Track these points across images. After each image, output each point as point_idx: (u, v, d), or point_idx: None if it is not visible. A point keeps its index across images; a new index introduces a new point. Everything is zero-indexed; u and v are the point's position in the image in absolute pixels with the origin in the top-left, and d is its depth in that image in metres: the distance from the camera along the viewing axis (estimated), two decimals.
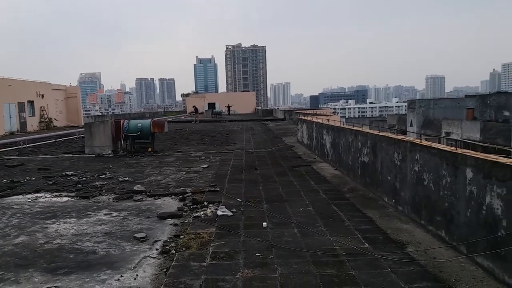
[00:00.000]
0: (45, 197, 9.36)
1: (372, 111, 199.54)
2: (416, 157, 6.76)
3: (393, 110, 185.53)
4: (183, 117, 59.87)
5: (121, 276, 4.99)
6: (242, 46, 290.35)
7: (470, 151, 5.57)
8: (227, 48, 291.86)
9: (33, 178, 11.63)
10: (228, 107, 66.37)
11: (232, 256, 5.52)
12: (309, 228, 6.62)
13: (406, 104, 57.85)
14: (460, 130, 33.93)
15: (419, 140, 6.95)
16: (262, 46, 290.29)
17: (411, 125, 43.66)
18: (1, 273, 5.14)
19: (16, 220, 7.49)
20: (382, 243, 5.92)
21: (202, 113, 57.74)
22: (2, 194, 9.52)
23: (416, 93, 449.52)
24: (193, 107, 54.72)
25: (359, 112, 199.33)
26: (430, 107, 43.02)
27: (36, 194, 9.58)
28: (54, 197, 9.34)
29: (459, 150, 5.67)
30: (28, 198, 9.25)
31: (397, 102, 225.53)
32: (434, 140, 7.98)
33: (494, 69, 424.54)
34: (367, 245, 5.85)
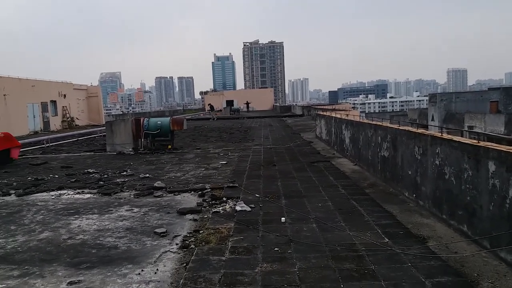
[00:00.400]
0: (68, 194, 9.57)
1: (392, 106, 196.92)
2: (437, 151, 6.65)
3: (414, 105, 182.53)
4: (202, 114, 60.23)
5: (142, 270, 5.08)
6: (259, 42, 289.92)
7: (493, 143, 5.45)
8: (244, 45, 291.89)
9: (56, 176, 11.90)
10: (247, 104, 66.29)
11: (250, 250, 5.55)
12: (328, 223, 6.59)
13: (427, 98, 56.85)
14: (484, 124, 33.18)
15: (440, 134, 6.83)
16: (279, 42, 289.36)
17: (432, 119, 42.90)
18: (26, 267, 5.29)
19: (41, 217, 7.69)
20: (403, 238, 5.85)
21: (221, 110, 58.03)
22: (27, 192, 9.77)
23: (437, 86, 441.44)
24: (208, 105, 55.17)
25: (379, 107, 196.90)
26: (452, 101, 42.18)
27: (59, 191, 9.81)
28: (76, 194, 9.55)
29: (481, 143, 5.56)
30: (52, 195, 9.47)
31: (418, 96, 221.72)
32: (456, 134, 7.84)
33: None
34: (387, 240, 5.80)
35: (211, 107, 51.71)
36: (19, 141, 15.97)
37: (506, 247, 4.82)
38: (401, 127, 8.86)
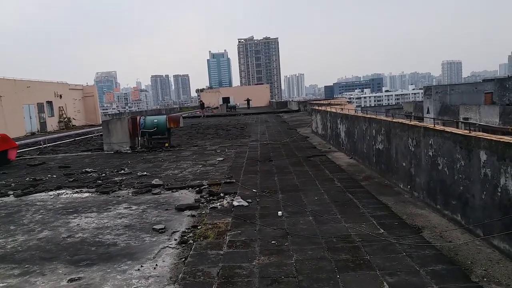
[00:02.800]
0: (67, 193, 9.62)
1: (388, 100, 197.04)
2: (430, 142, 6.74)
3: (409, 98, 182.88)
4: (198, 112, 60.19)
5: (141, 266, 5.15)
6: (254, 39, 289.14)
7: (484, 133, 5.54)
8: (239, 41, 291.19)
9: (54, 176, 11.94)
10: (248, 101, 64.94)
11: (248, 244, 5.63)
12: (324, 215, 6.68)
13: (422, 91, 56.97)
14: (478, 115, 33.33)
15: (432, 125, 6.92)
16: (274, 38, 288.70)
17: (428, 112, 43.03)
18: (27, 266, 5.35)
19: (40, 216, 7.74)
20: (397, 228, 5.95)
21: (217, 107, 58.00)
22: (25, 192, 9.81)
23: (432, 79, 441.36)
24: (200, 101, 55.56)
25: (375, 100, 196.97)
26: (447, 93, 42.29)
27: (57, 191, 9.85)
28: (75, 193, 9.59)
29: (472, 133, 5.65)
30: (50, 195, 9.52)
31: (413, 89, 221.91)
32: (451, 125, 7.92)
33: None
34: (382, 230, 5.89)
35: (201, 104, 51.98)
36: (16, 142, 15.98)
37: (499, 234, 4.92)
38: (394, 120, 8.95)
